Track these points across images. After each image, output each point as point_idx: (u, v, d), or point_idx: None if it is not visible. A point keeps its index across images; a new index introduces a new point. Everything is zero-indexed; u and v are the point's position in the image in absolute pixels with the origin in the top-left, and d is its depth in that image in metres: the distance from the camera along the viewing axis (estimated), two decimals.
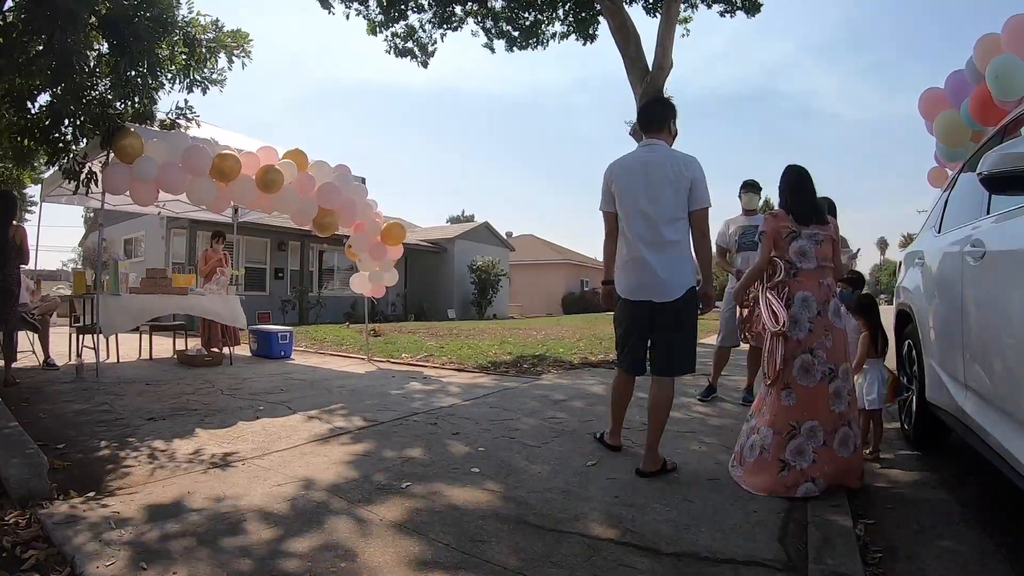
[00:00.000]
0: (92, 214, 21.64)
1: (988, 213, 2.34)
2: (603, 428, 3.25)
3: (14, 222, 4.82)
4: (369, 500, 2.31)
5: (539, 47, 13.06)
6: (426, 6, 12.27)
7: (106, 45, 4.44)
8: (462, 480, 2.57)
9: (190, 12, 4.84)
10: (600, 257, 3.24)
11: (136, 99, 4.74)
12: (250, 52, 5.19)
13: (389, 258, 6.77)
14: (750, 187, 4.62)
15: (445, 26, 12.51)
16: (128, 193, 5.05)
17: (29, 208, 22.01)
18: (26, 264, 4.96)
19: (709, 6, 12.04)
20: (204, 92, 5.04)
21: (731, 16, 12.11)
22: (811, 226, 2.77)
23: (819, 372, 2.60)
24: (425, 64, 12.82)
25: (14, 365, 4.97)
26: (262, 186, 5.39)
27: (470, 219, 43.40)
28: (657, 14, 11.66)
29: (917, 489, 2.66)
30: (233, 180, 5.29)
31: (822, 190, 2.97)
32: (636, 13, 12.07)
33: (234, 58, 5.14)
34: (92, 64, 4.47)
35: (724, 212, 4.85)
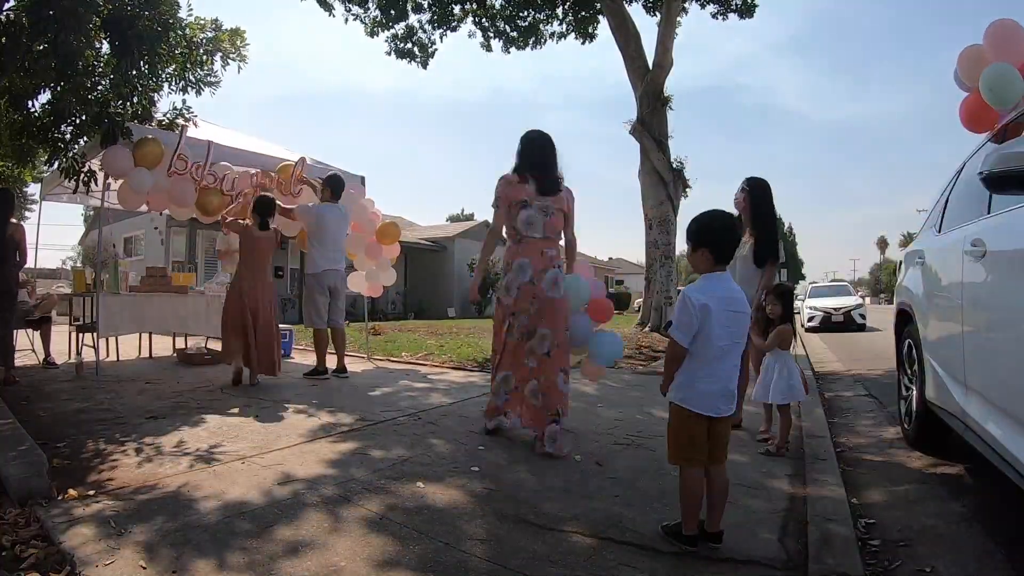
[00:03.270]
0: (92, 212, 21.63)
1: (989, 212, 2.34)
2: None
3: (12, 220, 4.81)
4: (371, 498, 2.31)
5: (537, 47, 13.03)
6: (426, 6, 12.24)
7: (107, 45, 4.44)
8: (462, 478, 2.57)
9: (189, 14, 4.85)
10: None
11: (135, 99, 4.74)
12: (246, 56, 5.18)
13: (385, 257, 6.76)
14: None
15: (444, 26, 12.49)
16: (117, 192, 5.14)
17: (29, 207, 21.99)
18: (24, 263, 4.96)
19: (703, 6, 12.00)
20: (198, 94, 5.05)
21: (723, 19, 12.08)
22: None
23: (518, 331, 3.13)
24: (425, 65, 12.80)
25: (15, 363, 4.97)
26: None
27: (470, 217, 43.35)
28: (657, 13, 11.64)
29: (917, 489, 2.66)
30: (212, 215, 5.81)
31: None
32: (636, 12, 12.04)
33: (230, 60, 5.14)
34: (93, 64, 4.48)
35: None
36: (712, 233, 1.98)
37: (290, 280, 16.72)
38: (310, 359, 6.92)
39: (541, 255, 3.16)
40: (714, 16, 12.05)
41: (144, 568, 1.72)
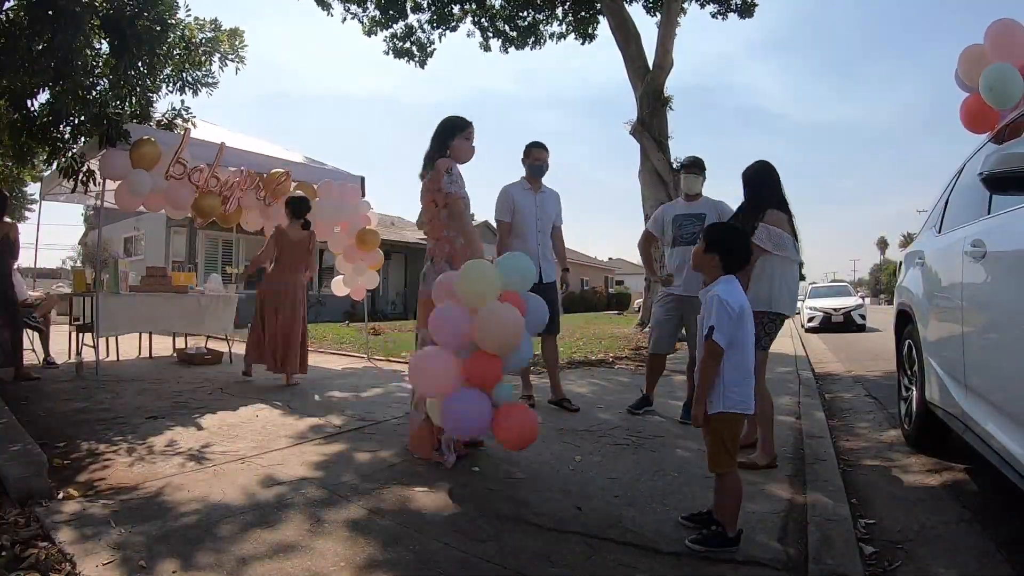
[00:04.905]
0: (92, 212, 21.61)
1: (989, 213, 2.34)
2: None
3: (6, 219, 4.81)
4: (369, 499, 2.31)
5: (537, 47, 13.03)
6: (425, 6, 12.24)
7: (106, 45, 4.45)
8: (462, 479, 2.57)
9: (187, 15, 4.85)
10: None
11: (134, 99, 4.74)
12: (244, 57, 5.18)
13: (362, 263, 6.65)
14: (692, 166, 3.68)
15: (443, 26, 12.48)
16: (115, 193, 5.15)
17: (29, 206, 21.99)
18: (16, 260, 4.97)
19: (703, 6, 12.01)
20: (195, 94, 5.05)
21: (723, 18, 12.09)
22: None
23: None
24: (423, 64, 12.81)
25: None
26: (224, 220, 6.20)
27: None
28: (657, 13, 11.64)
29: (917, 489, 2.66)
30: (207, 217, 6.00)
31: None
32: (636, 12, 12.06)
33: (228, 61, 5.14)
34: (92, 64, 4.48)
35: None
36: (728, 242, 2.01)
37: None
38: (316, 359, 6.93)
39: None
40: (714, 16, 12.07)
41: (143, 567, 1.72)
